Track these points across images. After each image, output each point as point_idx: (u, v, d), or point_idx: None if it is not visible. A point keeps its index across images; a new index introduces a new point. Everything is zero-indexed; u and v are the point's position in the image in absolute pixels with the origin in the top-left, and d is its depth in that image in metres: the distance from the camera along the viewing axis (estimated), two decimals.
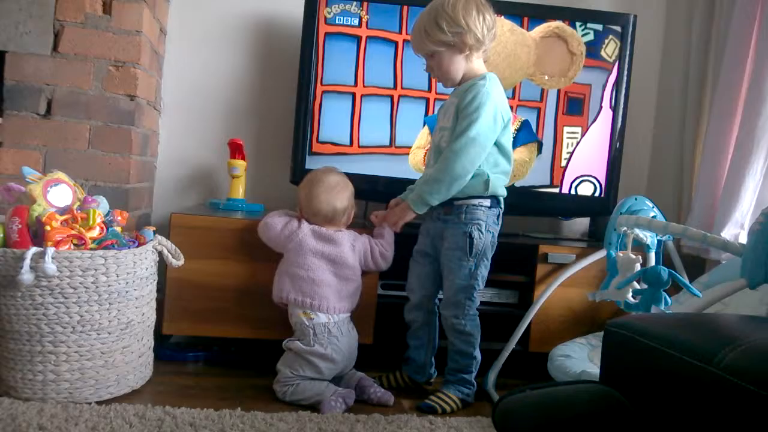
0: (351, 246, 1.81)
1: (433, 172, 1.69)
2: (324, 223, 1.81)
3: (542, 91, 2.19)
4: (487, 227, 1.72)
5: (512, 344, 1.95)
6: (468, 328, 1.75)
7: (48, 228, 1.54)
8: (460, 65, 1.70)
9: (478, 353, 1.77)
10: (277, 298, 1.81)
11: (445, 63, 1.70)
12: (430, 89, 2.14)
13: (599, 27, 2.18)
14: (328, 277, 1.77)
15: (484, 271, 1.75)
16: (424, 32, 1.68)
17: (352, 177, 1.89)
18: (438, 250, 1.79)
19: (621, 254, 1.81)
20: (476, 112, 1.63)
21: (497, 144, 1.71)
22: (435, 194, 1.69)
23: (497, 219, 1.76)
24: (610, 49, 2.19)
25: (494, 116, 1.65)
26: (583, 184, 2.23)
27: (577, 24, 2.17)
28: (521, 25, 2.16)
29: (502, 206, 1.77)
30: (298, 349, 1.74)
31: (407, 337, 1.89)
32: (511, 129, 1.77)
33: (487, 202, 1.72)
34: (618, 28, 2.18)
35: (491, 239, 1.74)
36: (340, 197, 1.80)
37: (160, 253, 1.77)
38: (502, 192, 1.75)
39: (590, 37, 2.18)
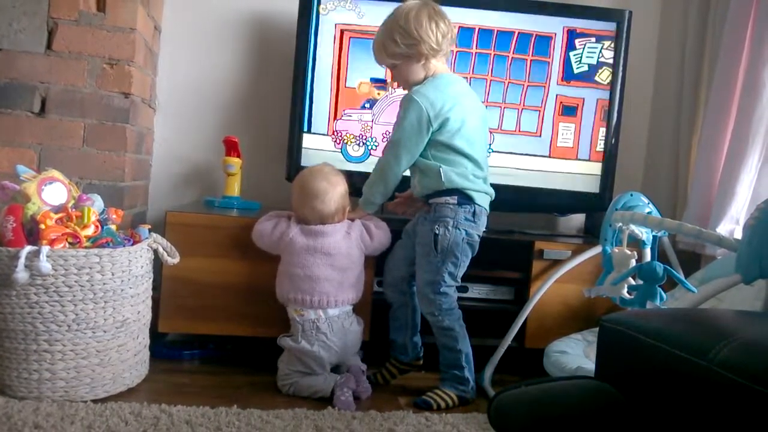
0: (345, 234, 1.81)
1: (371, 174, 1.83)
2: (315, 223, 1.81)
3: (543, 97, 2.19)
4: (455, 225, 1.73)
5: (508, 340, 1.95)
6: (446, 323, 1.76)
7: (43, 226, 1.54)
8: (419, 73, 1.77)
9: (464, 347, 1.77)
10: (281, 299, 1.83)
11: (405, 73, 1.78)
12: None
13: (594, 61, 2.19)
14: (325, 271, 1.77)
15: (452, 269, 1.75)
16: (382, 47, 1.77)
17: (348, 174, 1.89)
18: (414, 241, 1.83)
19: (616, 250, 1.81)
20: (399, 118, 1.75)
21: (447, 146, 1.73)
22: (375, 193, 1.81)
23: (472, 216, 1.75)
24: (604, 75, 2.21)
25: (417, 119, 1.71)
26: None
27: (576, 42, 2.18)
28: (517, 21, 2.17)
29: (478, 203, 1.76)
30: (288, 346, 1.78)
31: (389, 318, 1.92)
32: (464, 127, 1.74)
33: (454, 200, 1.74)
34: (613, 29, 2.19)
35: (463, 236, 1.74)
36: (326, 202, 1.79)
37: (155, 251, 1.77)
38: (465, 186, 1.74)
39: (585, 68, 2.20)
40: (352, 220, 1.86)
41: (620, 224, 1.80)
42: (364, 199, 1.84)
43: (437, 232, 1.73)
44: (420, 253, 1.78)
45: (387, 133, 2.14)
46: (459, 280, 1.79)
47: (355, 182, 1.88)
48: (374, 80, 2.16)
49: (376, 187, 1.80)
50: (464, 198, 1.74)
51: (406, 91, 1.82)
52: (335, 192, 1.80)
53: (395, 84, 1.99)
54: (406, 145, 1.73)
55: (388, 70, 1.88)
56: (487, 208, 1.80)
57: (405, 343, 1.89)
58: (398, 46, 1.73)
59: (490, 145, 2.12)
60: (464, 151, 1.74)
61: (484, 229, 1.81)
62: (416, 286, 1.82)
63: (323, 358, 1.75)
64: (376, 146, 2.17)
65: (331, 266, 1.78)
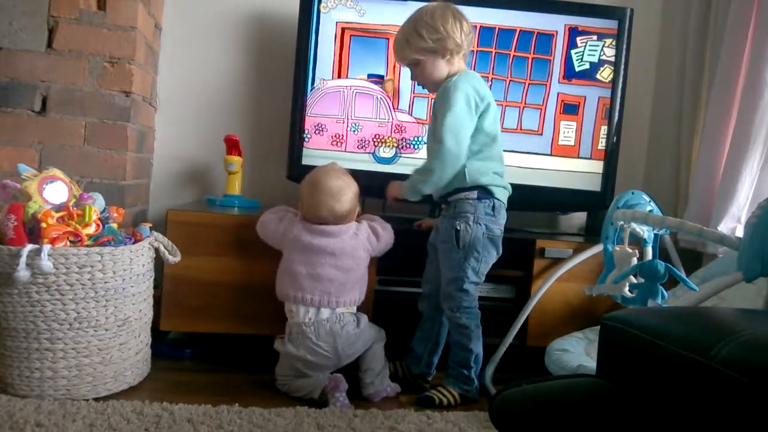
0: (353, 234, 1.81)
1: (424, 162, 1.79)
2: (325, 223, 1.80)
3: (544, 96, 2.19)
4: (476, 220, 1.74)
5: (509, 339, 1.95)
6: (463, 320, 1.76)
7: (44, 225, 1.54)
8: (442, 70, 1.76)
9: (476, 347, 1.77)
10: (280, 296, 1.82)
11: (429, 69, 1.76)
12: None
13: (595, 59, 2.19)
14: (329, 271, 1.77)
15: (474, 264, 1.75)
16: (405, 42, 1.77)
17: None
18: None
19: (618, 248, 1.80)
20: (448, 103, 1.70)
21: (486, 134, 1.75)
22: (427, 182, 1.75)
23: (492, 211, 1.76)
24: (605, 73, 2.21)
25: (466, 100, 1.71)
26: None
27: (578, 40, 2.18)
28: (519, 19, 2.17)
29: (497, 197, 1.76)
30: (278, 349, 1.79)
31: (417, 328, 1.91)
32: (497, 115, 1.79)
33: (474, 195, 1.74)
34: (614, 27, 2.19)
35: (483, 231, 1.75)
36: (342, 201, 1.79)
37: (156, 250, 1.77)
38: (485, 181, 1.75)
39: (586, 66, 2.20)
40: (357, 221, 1.86)
41: (621, 222, 1.79)
42: (411, 186, 1.78)
43: (458, 227, 1.74)
44: (442, 250, 1.78)
45: (320, 124, 2.16)
46: (482, 278, 1.79)
47: None
48: (371, 76, 2.16)
49: (430, 176, 1.73)
50: (484, 192, 1.75)
51: (424, 89, 1.85)
52: (350, 191, 1.81)
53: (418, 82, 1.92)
54: (465, 126, 1.71)
55: (411, 70, 1.84)
56: (506, 202, 1.80)
57: (422, 356, 1.89)
58: (424, 41, 1.73)
59: None
60: (493, 135, 1.76)
61: (504, 224, 1.81)
62: (441, 284, 1.80)
63: (312, 362, 1.73)
64: (308, 138, 2.16)
65: (335, 267, 1.77)
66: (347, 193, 1.80)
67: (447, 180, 1.74)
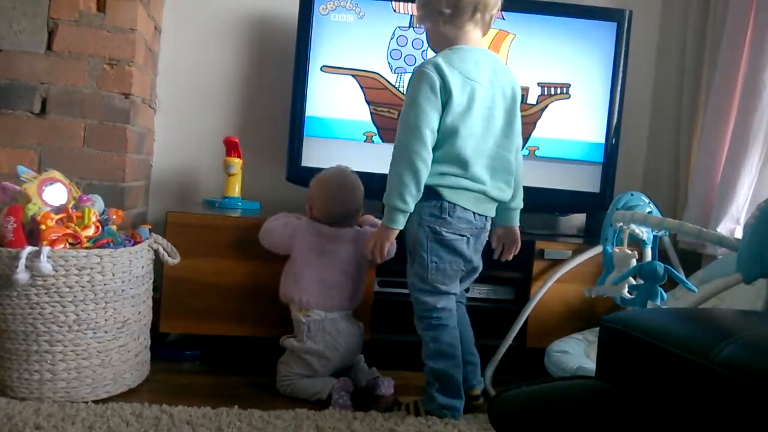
0: (356, 241, 1.80)
1: (389, 182, 1.56)
2: (334, 222, 1.80)
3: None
4: (419, 221, 1.59)
5: (509, 340, 1.95)
6: (420, 330, 1.64)
7: (43, 227, 1.54)
8: (438, 37, 1.61)
9: (433, 363, 1.61)
10: (284, 297, 1.81)
11: (429, 35, 1.65)
12: None
13: None
14: (335, 276, 1.77)
15: (419, 269, 1.61)
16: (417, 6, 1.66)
17: None
18: None
19: (617, 250, 1.81)
20: (409, 95, 1.55)
21: (448, 130, 1.55)
22: (405, 195, 1.53)
23: (438, 212, 1.58)
24: None
25: (431, 87, 1.52)
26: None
27: None
28: (515, 21, 2.17)
29: (448, 199, 1.57)
30: (292, 347, 1.77)
31: None
32: (469, 110, 1.56)
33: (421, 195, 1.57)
34: (613, 29, 2.19)
35: (428, 234, 1.59)
36: (357, 198, 1.82)
37: (155, 252, 1.77)
38: (433, 182, 1.56)
39: None
40: (359, 225, 1.85)
41: (621, 224, 1.80)
42: (390, 213, 1.55)
43: (404, 229, 1.60)
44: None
45: None
46: (437, 285, 1.61)
47: None
48: None
49: (405, 188, 1.52)
50: (430, 193, 1.57)
51: None
52: (361, 191, 1.84)
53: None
54: (428, 120, 1.51)
55: None
56: (470, 207, 1.60)
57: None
58: (420, 2, 1.62)
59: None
60: (453, 139, 1.55)
61: (475, 230, 1.67)
62: None
63: (328, 358, 1.74)
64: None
65: (340, 271, 1.78)
66: (360, 191, 1.83)
67: (423, 183, 1.54)
